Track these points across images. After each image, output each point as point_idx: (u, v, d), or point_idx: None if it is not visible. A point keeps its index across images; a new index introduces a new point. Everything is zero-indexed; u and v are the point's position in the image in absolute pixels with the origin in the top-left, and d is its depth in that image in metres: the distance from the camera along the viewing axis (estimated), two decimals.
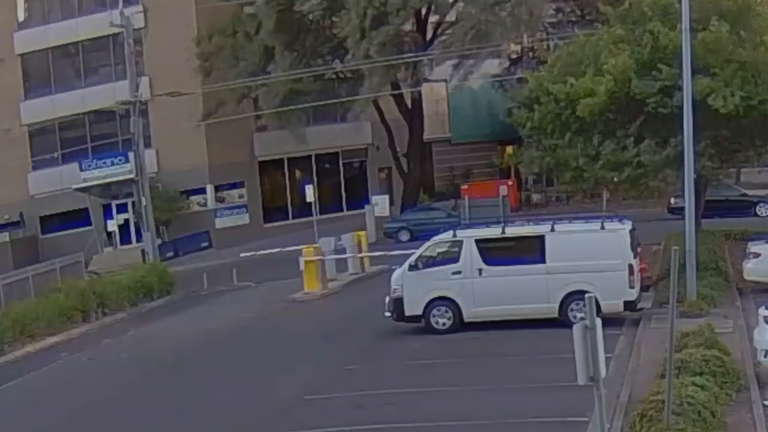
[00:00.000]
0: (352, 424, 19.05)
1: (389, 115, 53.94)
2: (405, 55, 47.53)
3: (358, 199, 55.12)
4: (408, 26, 49.76)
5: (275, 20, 48.82)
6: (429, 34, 51.50)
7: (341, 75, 52.32)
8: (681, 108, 26.60)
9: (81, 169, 52.96)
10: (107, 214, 54.06)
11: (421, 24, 51.36)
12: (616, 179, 30.49)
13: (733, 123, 28.66)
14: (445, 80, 60.66)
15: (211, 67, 51.41)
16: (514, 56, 59.19)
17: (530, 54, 55.02)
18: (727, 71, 28.02)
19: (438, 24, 51.97)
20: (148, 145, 48.41)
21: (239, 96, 50.45)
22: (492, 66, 58.34)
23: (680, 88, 26.76)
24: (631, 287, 25.48)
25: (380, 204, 48.40)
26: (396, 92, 51.52)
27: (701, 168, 28.65)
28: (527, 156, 33.13)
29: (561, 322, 24.65)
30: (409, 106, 54.43)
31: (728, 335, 22.34)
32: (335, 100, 50.21)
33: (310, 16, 49.51)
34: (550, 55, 35.18)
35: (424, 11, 50.96)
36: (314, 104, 49.54)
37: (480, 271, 26.26)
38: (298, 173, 58.23)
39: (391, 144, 54.68)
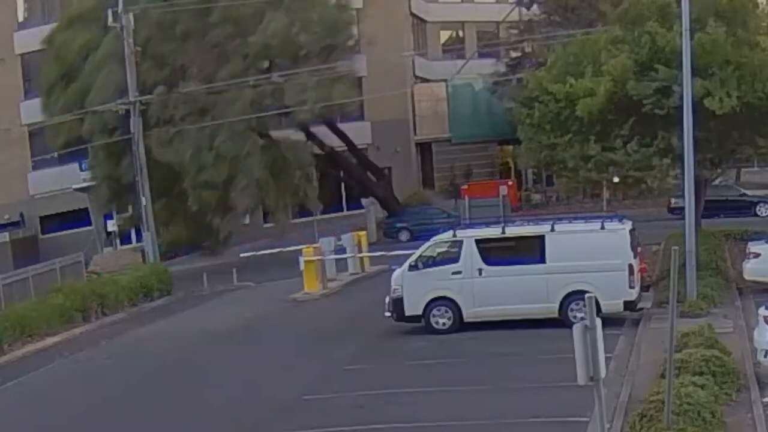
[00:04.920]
0: (352, 424, 19.03)
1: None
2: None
3: (358, 199, 55.05)
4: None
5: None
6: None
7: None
8: (677, 108, 26.58)
9: (81, 169, 52.90)
10: (107, 214, 53.98)
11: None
12: (606, 181, 30.47)
13: (730, 121, 28.60)
14: (445, 80, 60.90)
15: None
16: (512, 60, 59.51)
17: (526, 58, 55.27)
18: (725, 72, 27.98)
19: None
20: None
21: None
22: (488, 66, 58.55)
23: (677, 89, 26.75)
24: (631, 287, 25.49)
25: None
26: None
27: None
28: (524, 148, 33.12)
29: (561, 322, 24.68)
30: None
31: (728, 335, 22.36)
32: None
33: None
34: (549, 54, 35.16)
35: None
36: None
37: (480, 271, 26.27)
38: None
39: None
